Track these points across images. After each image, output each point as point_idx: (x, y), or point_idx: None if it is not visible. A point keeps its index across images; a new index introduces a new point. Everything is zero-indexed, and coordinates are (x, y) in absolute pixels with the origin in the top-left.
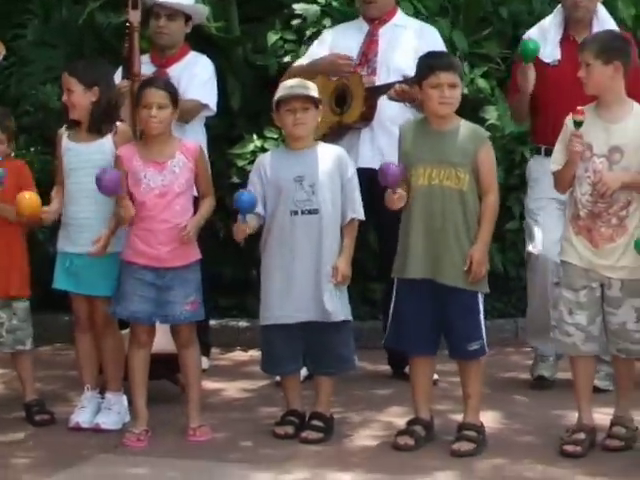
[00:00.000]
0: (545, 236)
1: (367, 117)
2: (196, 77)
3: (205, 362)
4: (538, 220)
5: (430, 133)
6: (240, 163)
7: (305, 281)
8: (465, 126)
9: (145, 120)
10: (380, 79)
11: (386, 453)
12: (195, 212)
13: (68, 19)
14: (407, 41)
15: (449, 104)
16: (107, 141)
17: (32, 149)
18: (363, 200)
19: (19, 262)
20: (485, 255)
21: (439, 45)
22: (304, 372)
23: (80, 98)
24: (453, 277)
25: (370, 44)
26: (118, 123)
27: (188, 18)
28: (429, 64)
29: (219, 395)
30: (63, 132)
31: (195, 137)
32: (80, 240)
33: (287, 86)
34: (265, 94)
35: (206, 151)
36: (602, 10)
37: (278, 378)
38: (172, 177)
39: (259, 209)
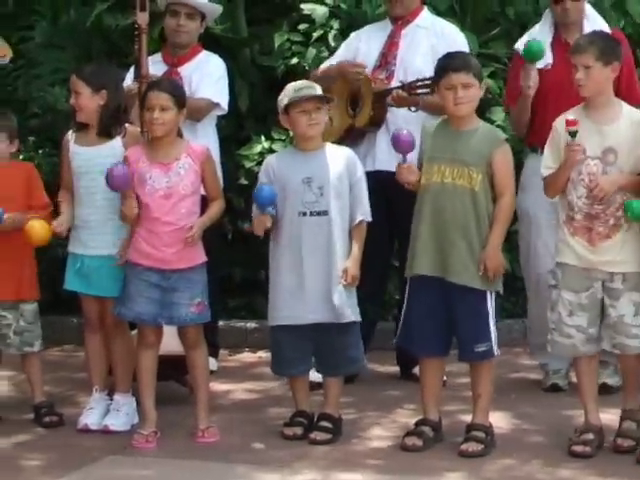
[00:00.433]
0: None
1: (376, 121)
2: (208, 76)
3: (213, 363)
4: (533, 221)
5: (448, 133)
6: (248, 164)
7: (314, 282)
8: (483, 127)
9: (148, 122)
10: (397, 82)
11: (394, 454)
12: (203, 214)
13: (76, 21)
14: (427, 42)
15: (463, 104)
16: (117, 143)
17: (40, 151)
18: (380, 202)
19: (28, 265)
20: (497, 257)
21: (459, 45)
22: (317, 377)
23: (88, 101)
24: (461, 276)
25: (390, 46)
26: (127, 125)
27: (203, 17)
28: (443, 65)
29: (227, 396)
30: (70, 136)
31: (206, 137)
32: (91, 242)
33: (295, 88)
34: (272, 95)
35: (218, 151)
36: (590, 9)
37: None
38: (177, 179)
39: (269, 209)
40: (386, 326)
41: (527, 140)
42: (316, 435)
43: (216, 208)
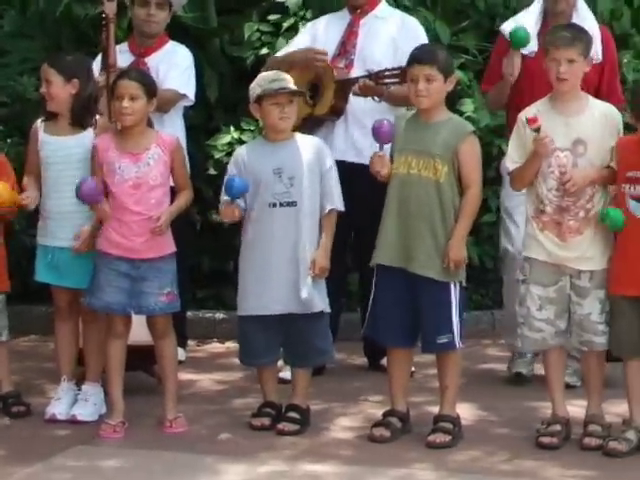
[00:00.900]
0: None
1: (337, 110)
2: (174, 67)
3: (181, 353)
4: (514, 218)
5: (417, 125)
6: (217, 155)
7: (283, 273)
8: (452, 120)
9: (117, 112)
10: (356, 71)
11: (362, 445)
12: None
13: (45, 10)
14: (386, 33)
15: (424, 97)
16: (88, 134)
17: (9, 140)
18: None
19: None
20: (461, 250)
21: (421, 38)
22: (287, 375)
23: (59, 90)
24: (424, 266)
25: (350, 35)
26: (98, 116)
27: (170, 6)
28: (410, 56)
29: (195, 387)
30: (39, 125)
31: (173, 128)
32: (61, 234)
33: (269, 80)
34: (242, 86)
35: (184, 142)
36: (582, 4)
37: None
38: (147, 169)
39: (238, 201)
40: (353, 317)
41: (505, 132)
42: (284, 426)
43: (184, 198)
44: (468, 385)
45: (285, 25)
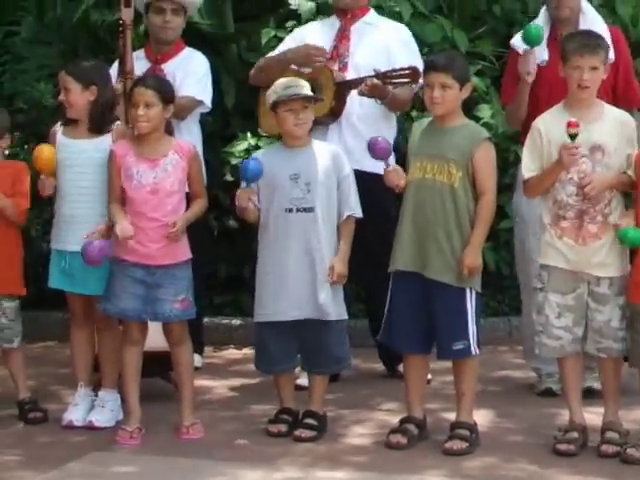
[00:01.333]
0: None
1: (336, 112)
2: (191, 73)
3: (198, 360)
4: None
5: (433, 130)
6: (234, 161)
7: (300, 279)
8: (467, 126)
9: (133, 119)
10: (351, 74)
11: (379, 451)
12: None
13: (62, 17)
14: (379, 39)
15: (438, 104)
16: (106, 139)
17: (25, 146)
18: None
19: (11, 260)
20: (477, 257)
21: (412, 44)
22: (304, 382)
23: (77, 97)
24: (439, 272)
25: (342, 39)
26: (117, 122)
27: (185, 12)
28: (427, 63)
29: (212, 393)
30: (57, 128)
31: (190, 134)
32: (75, 238)
33: (283, 86)
34: (259, 92)
35: (201, 148)
36: (588, 6)
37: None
38: (164, 175)
39: (256, 202)
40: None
41: (520, 139)
42: (301, 432)
43: (198, 206)
44: (485, 392)
45: None
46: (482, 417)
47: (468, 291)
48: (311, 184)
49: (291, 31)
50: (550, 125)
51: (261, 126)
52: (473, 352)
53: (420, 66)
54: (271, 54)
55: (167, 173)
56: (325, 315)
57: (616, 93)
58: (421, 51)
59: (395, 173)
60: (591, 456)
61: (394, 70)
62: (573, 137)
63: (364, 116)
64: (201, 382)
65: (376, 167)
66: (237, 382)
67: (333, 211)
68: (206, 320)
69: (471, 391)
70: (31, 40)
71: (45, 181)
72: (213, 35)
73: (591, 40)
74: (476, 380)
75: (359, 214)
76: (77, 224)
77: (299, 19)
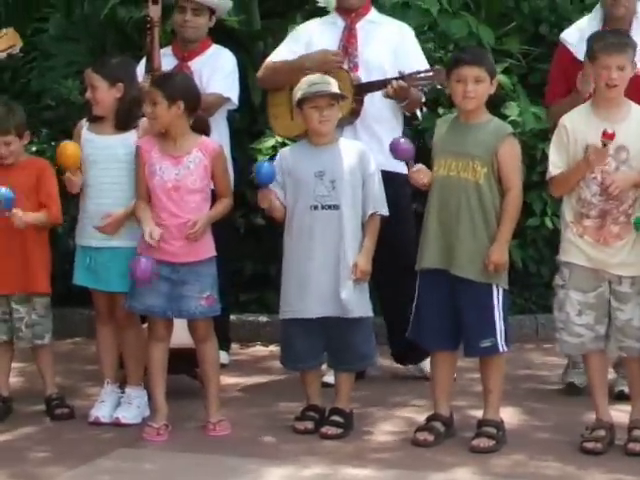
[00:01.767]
0: None
1: (356, 113)
2: (218, 70)
3: (225, 357)
4: None
5: (457, 126)
6: (261, 158)
7: (324, 276)
8: (491, 121)
9: (147, 117)
10: (361, 74)
11: (405, 449)
12: None
13: (90, 13)
14: (385, 37)
15: (471, 99)
16: (131, 136)
17: (53, 143)
18: None
19: (39, 259)
20: (503, 254)
21: (415, 42)
22: (331, 379)
23: (104, 94)
24: (465, 269)
25: (349, 39)
26: (143, 118)
27: (212, 12)
28: (457, 57)
29: (239, 390)
30: (83, 124)
31: (218, 131)
32: (98, 235)
33: (310, 83)
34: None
35: (228, 146)
36: None
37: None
38: (186, 172)
39: (281, 198)
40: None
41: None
42: (327, 430)
43: (222, 206)
44: (512, 390)
45: None
46: (509, 415)
47: (495, 288)
48: (336, 181)
49: None
50: (577, 123)
51: (274, 129)
52: (501, 349)
53: (427, 65)
54: (276, 57)
55: (189, 171)
56: (348, 312)
57: None
58: (446, 47)
59: (419, 173)
60: (618, 454)
61: (419, 72)
62: (604, 145)
63: (378, 116)
64: (228, 379)
65: (395, 166)
66: (263, 379)
67: (358, 209)
68: (232, 317)
69: (498, 388)
70: (59, 37)
71: (72, 178)
72: (240, 32)
73: (618, 39)
74: (503, 377)
75: (384, 212)
76: (101, 220)
77: (326, 14)
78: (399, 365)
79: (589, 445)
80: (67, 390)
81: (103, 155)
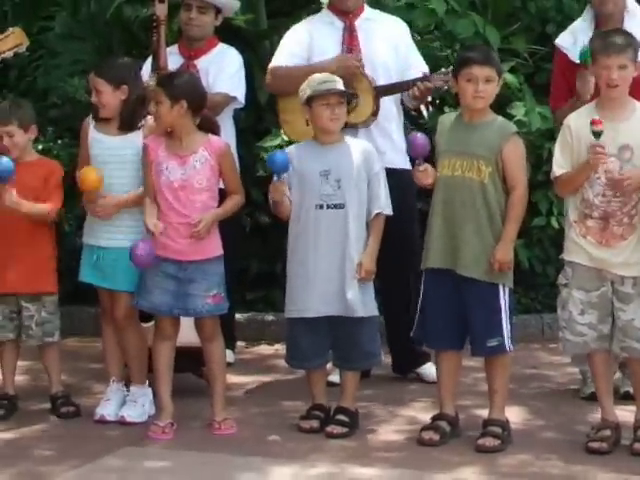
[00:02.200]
0: None
1: (375, 115)
2: (224, 70)
3: (231, 356)
4: None
5: (461, 126)
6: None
7: (329, 275)
8: (495, 120)
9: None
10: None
11: (411, 448)
12: None
13: (96, 12)
14: (384, 35)
15: (482, 98)
16: (136, 136)
17: (59, 141)
18: None
19: (47, 258)
20: (508, 253)
21: (410, 37)
22: (336, 379)
23: (109, 98)
24: (471, 268)
25: (351, 39)
26: (148, 117)
27: (218, 11)
28: (465, 57)
29: (244, 389)
30: (90, 121)
31: (224, 130)
32: (107, 234)
33: (320, 81)
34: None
35: (235, 144)
36: (633, 4)
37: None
38: (192, 172)
39: (288, 194)
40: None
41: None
42: (332, 429)
43: (232, 202)
44: (517, 389)
45: None
46: (514, 414)
47: (501, 287)
48: (342, 181)
49: None
50: (580, 123)
51: (288, 135)
52: (507, 349)
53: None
54: (282, 62)
55: (195, 170)
56: (353, 312)
57: None
58: (452, 46)
59: (425, 173)
60: (624, 454)
61: (440, 72)
62: (597, 135)
63: (388, 114)
64: (233, 378)
65: (404, 164)
66: (269, 378)
67: (363, 208)
68: (238, 316)
69: (504, 388)
70: (65, 35)
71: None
72: (246, 31)
73: (618, 39)
74: (508, 377)
75: (389, 212)
76: (108, 220)
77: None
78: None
79: (595, 445)
80: (73, 388)
81: (110, 156)
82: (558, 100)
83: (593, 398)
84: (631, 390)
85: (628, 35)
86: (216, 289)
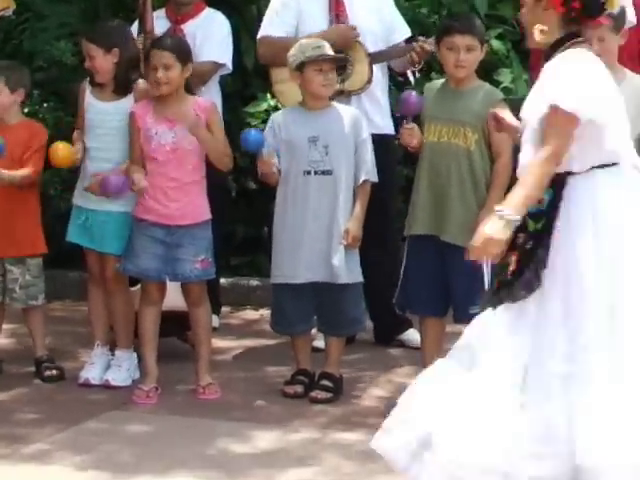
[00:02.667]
0: None
1: (370, 82)
2: (212, 36)
3: (215, 320)
4: None
5: (447, 93)
6: (253, 122)
7: (315, 241)
8: (482, 87)
9: (153, 82)
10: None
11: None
12: (209, 174)
13: None
14: (368, 0)
15: (463, 67)
16: (127, 101)
17: (45, 105)
18: None
19: (31, 221)
20: None
21: (392, 2)
22: (321, 344)
23: (102, 62)
24: (455, 235)
25: (338, 6)
26: (139, 81)
27: None
28: (447, 25)
29: (229, 353)
30: (86, 86)
31: (209, 95)
32: (96, 197)
33: (311, 47)
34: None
35: (221, 109)
36: None
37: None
38: (183, 134)
39: (277, 164)
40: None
41: None
42: (317, 394)
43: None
44: None
45: None
46: None
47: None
48: (329, 147)
49: None
50: None
51: (282, 103)
52: None
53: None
54: (273, 31)
55: (185, 132)
56: (338, 278)
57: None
58: (439, 12)
59: (411, 132)
60: None
61: (426, 36)
62: None
63: (377, 81)
64: (218, 342)
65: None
66: (253, 343)
67: (350, 174)
68: (223, 281)
69: None
70: None
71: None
72: None
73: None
74: None
75: (374, 179)
76: (91, 179)
77: None
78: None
79: None
80: (57, 352)
81: (104, 121)
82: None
83: None
84: None
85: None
86: (204, 254)
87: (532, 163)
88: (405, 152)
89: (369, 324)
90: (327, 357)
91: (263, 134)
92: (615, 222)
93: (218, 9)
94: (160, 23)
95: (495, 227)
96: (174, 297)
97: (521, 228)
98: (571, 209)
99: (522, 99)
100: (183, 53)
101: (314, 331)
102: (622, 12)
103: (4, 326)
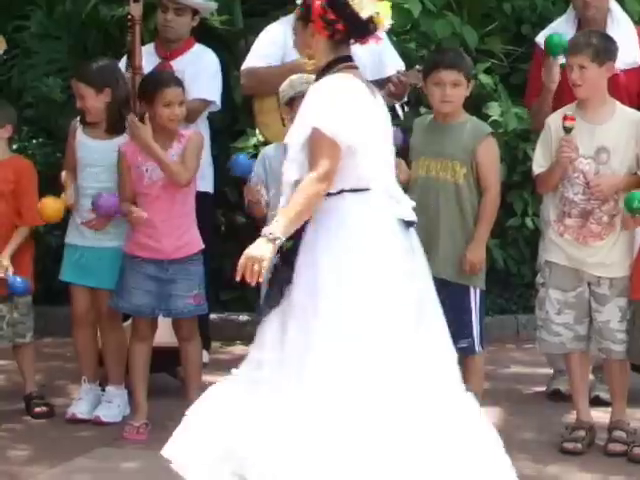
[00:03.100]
0: None
1: None
2: (201, 73)
3: (205, 356)
4: None
5: (435, 128)
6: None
7: None
8: (469, 121)
9: (167, 118)
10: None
11: None
12: (198, 207)
13: (72, 11)
14: None
15: (449, 102)
16: (123, 139)
17: (34, 141)
18: None
19: (24, 260)
20: (480, 253)
21: (387, 38)
22: None
23: (93, 102)
24: (442, 269)
25: None
26: (129, 117)
27: (195, 12)
28: (435, 60)
29: None
30: (77, 124)
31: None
32: (91, 234)
33: (301, 81)
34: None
35: (209, 145)
36: (616, 8)
37: None
38: None
39: (264, 194)
40: None
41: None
42: None
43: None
44: (492, 389)
45: None
46: (489, 415)
47: (472, 289)
48: None
49: None
50: (559, 123)
51: (266, 137)
52: (477, 350)
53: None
54: (258, 62)
55: None
56: None
57: None
58: (428, 46)
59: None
60: (598, 455)
61: (414, 70)
62: (568, 130)
63: None
64: (207, 378)
65: None
66: None
67: None
68: (213, 316)
69: (477, 388)
70: (40, 35)
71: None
72: (222, 30)
73: (578, 39)
74: (482, 377)
75: None
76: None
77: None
78: None
79: (569, 445)
80: (47, 388)
81: (97, 159)
82: (533, 96)
83: (555, 394)
84: (601, 394)
85: (592, 35)
86: (197, 289)
87: (303, 184)
88: None
89: None
90: None
91: (251, 161)
92: (358, 242)
93: (207, 44)
94: (149, 59)
95: (257, 246)
96: (164, 332)
97: (281, 248)
98: (318, 229)
99: None
100: (183, 90)
101: None
102: (605, 44)
103: None
